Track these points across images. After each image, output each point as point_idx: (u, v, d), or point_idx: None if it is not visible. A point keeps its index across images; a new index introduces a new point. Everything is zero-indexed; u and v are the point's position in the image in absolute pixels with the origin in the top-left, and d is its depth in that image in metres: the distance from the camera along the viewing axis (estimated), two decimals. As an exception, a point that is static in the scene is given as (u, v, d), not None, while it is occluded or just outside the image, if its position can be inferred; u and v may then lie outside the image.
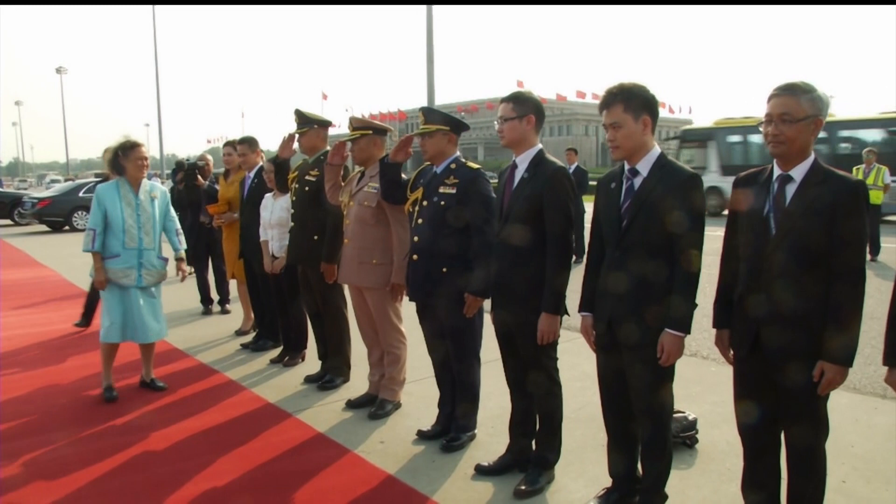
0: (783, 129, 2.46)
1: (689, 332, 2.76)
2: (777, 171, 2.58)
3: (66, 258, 12.52)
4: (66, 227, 19.15)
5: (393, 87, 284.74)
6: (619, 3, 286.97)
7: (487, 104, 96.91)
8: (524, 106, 3.26)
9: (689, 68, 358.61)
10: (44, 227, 19.50)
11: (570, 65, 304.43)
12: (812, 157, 2.53)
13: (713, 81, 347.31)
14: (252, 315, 6.44)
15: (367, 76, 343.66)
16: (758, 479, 2.80)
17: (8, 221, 21.79)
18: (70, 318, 7.04)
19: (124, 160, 4.57)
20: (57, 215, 19.25)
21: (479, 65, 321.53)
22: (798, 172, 2.52)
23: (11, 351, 6.06)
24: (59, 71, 56.15)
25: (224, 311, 7.63)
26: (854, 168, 12.55)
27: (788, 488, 2.71)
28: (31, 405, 4.66)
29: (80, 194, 19.48)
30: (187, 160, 8.14)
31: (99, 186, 4.65)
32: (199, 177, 7.53)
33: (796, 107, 2.45)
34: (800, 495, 2.69)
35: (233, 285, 6.93)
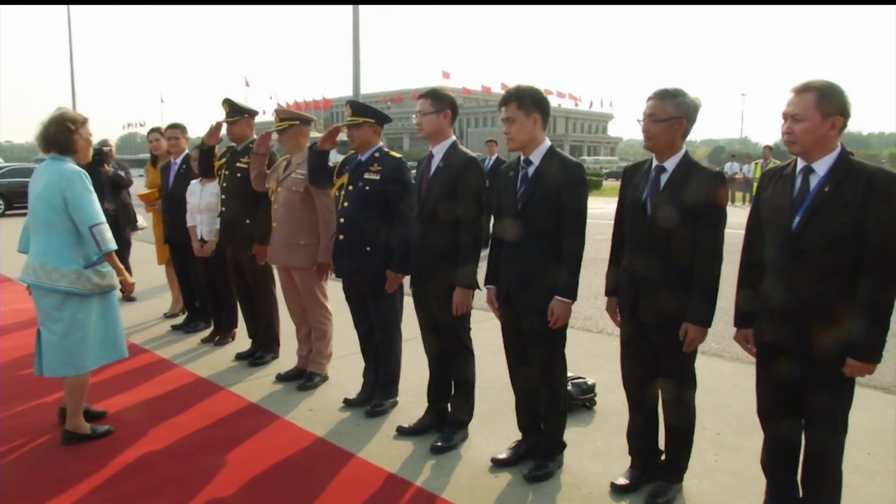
0: (650, 128, 2.94)
1: (574, 300, 3.20)
2: (655, 162, 3.04)
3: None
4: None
5: (317, 74, 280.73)
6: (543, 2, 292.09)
7: (412, 94, 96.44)
8: (441, 102, 3.63)
9: (613, 62, 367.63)
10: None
11: (496, 57, 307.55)
12: (683, 151, 3.00)
13: (639, 77, 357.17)
14: (181, 298, 6.58)
15: (291, 63, 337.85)
16: (638, 428, 3.29)
17: None
18: (-8, 303, 6.99)
19: (78, 136, 3.71)
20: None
21: (404, 55, 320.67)
22: (670, 164, 2.99)
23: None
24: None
25: (129, 299, 7.10)
26: (753, 163, 13.67)
27: (665, 434, 3.19)
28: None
29: (-10, 181, 18.81)
30: None
31: (76, 168, 3.66)
32: (104, 163, 7.14)
33: (662, 109, 2.92)
34: (673, 440, 3.18)
35: (162, 270, 6.99)
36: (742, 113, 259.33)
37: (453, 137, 3.70)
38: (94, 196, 3.65)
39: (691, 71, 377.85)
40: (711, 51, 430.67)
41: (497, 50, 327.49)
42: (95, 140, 4.20)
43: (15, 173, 19.46)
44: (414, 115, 3.78)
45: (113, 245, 3.62)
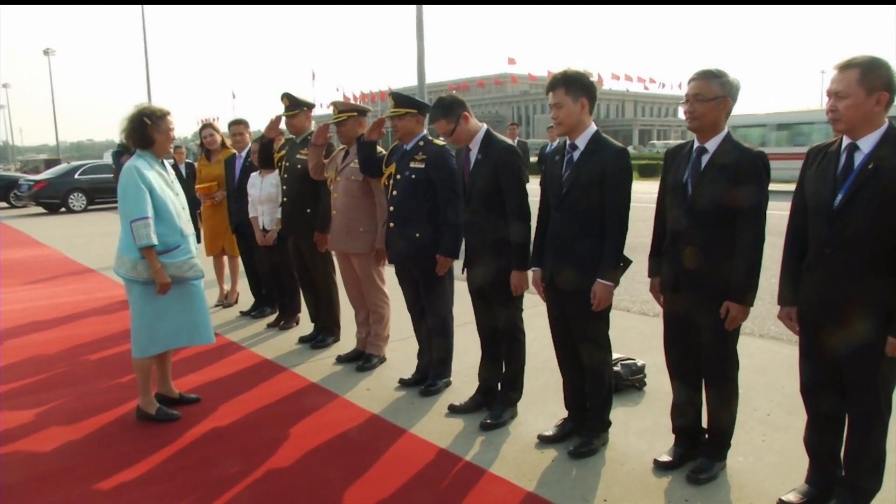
0: (696, 107, 2.95)
1: (616, 283, 3.27)
2: (696, 144, 3.06)
3: (66, 238, 12.98)
4: (63, 209, 19.55)
5: (383, 65, 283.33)
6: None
7: (479, 82, 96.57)
8: (452, 112, 3.75)
9: (683, 42, 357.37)
10: (40, 210, 19.89)
11: (562, 42, 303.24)
12: (725, 131, 3.01)
13: (711, 56, 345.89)
14: (237, 287, 6.95)
15: (357, 55, 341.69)
16: (681, 406, 3.32)
17: (3, 204, 22.24)
18: (75, 293, 7.48)
19: (154, 130, 3.87)
20: (53, 197, 19.62)
21: (470, 43, 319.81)
22: (712, 145, 3.00)
23: (26, 320, 6.52)
24: (46, 53, 55.82)
25: None
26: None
27: (707, 412, 3.23)
28: (47, 365, 5.12)
29: (76, 176, 19.88)
30: None
31: (135, 163, 3.82)
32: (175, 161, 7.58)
33: (707, 89, 2.93)
34: (715, 417, 3.21)
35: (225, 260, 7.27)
36: (821, 90, 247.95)
37: (484, 126, 3.81)
38: (144, 192, 3.73)
39: (767, 47, 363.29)
40: (789, 26, 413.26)
41: (563, 34, 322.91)
42: (180, 136, 4.41)
43: (96, 170, 20.46)
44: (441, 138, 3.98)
45: (148, 241, 3.69)
